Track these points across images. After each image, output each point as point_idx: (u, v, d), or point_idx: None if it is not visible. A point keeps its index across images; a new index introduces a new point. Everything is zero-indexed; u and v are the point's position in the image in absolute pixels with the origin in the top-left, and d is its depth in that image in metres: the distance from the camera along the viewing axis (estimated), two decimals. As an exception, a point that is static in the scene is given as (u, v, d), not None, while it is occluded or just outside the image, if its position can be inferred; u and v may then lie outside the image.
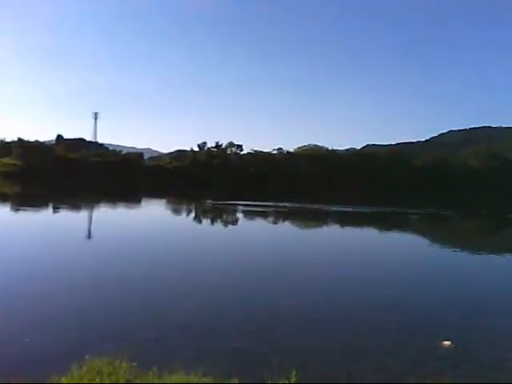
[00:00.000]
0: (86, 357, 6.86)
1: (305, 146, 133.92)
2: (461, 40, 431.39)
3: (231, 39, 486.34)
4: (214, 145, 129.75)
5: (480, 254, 26.50)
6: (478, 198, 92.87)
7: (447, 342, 10.06)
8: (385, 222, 44.10)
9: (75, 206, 49.20)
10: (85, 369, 6.50)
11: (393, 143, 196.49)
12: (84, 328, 9.99)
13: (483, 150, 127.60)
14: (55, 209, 45.77)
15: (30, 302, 11.84)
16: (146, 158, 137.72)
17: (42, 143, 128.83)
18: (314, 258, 22.15)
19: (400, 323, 11.71)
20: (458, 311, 13.22)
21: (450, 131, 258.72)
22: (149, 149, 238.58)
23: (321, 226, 40.30)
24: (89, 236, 26.67)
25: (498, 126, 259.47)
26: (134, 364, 6.80)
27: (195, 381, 6.54)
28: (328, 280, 17.15)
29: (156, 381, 6.41)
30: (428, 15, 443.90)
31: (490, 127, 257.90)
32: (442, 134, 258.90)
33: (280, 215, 46.03)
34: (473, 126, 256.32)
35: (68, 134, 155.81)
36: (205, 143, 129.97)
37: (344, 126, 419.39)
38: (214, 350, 8.99)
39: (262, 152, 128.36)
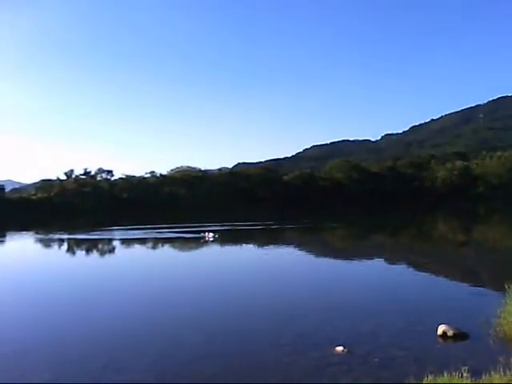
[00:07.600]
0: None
1: (178, 168, 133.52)
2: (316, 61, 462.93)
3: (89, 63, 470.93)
4: (82, 172, 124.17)
5: (353, 261, 28.62)
6: (345, 208, 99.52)
7: (340, 348, 10.72)
8: (263, 237, 45.53)
9: None
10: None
11: (262, 160, 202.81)
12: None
13: (345, 163, 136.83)
14: None
15: None
16: (7, 190, 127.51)
17: None
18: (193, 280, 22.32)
19: (293, 336, 12.19)
20: (345, 318, 14.06)
21: (313, 146, 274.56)
22: (10, 180, 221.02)
23: (202, 248, 40.48)
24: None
25: (355, 139, 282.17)
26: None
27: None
28: (214, 297, 17.35)
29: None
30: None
31: (348, 141, 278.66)
32: (307, 149, 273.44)
33: (158, 241, 45.32)
34: (333, 141, 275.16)
35: None
36: (72, 171, 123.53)
37: (215, 146, 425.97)
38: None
39: (134, 176, 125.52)
